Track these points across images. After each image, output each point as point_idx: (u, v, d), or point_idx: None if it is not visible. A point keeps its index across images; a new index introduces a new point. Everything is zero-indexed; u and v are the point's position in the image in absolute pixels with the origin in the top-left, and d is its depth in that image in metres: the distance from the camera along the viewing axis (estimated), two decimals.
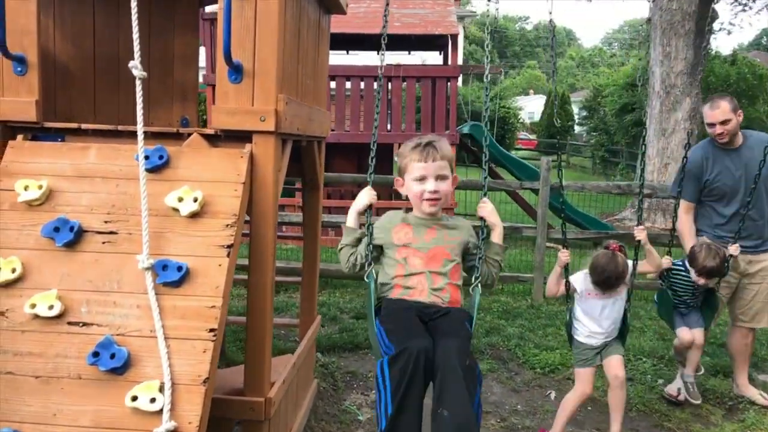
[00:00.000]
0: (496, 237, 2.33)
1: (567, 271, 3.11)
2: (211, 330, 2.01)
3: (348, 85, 9.18)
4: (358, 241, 2.31)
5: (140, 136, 2.14)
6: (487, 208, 2.34)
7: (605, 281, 2.96)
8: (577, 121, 32.40)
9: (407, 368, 1.86)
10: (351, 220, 2.36)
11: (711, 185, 3.72)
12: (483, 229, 2.31)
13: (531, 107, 44.78)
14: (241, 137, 2.39)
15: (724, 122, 3.59)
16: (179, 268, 2.09)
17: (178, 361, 1.97)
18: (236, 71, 2.32)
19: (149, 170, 2.27)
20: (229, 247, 2.16)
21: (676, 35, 10.95)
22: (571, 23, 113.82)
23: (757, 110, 14.69)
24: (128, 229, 2.20)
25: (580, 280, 3.11)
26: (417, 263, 2.20)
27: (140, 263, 2.06)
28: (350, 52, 11.76)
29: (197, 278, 2.10)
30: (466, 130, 9.46)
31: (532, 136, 35.02)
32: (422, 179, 2.22)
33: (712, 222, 3.77)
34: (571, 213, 8.68)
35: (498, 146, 9.49)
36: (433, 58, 12.76)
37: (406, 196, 2.32)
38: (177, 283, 2.08)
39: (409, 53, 12.26)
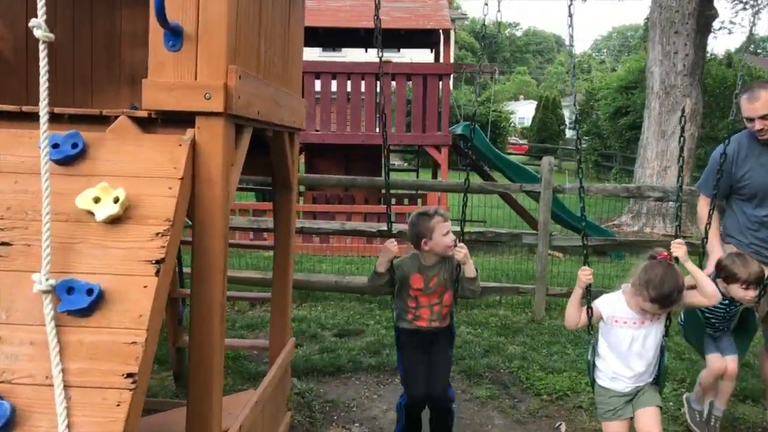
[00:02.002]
0: (469, 273, 2.88)
1: (589, 293, 2.59)
2: (130, 375, 1.49)
3: (334, 84, 8.67)
4: (381, 278, 2.88)
5: (43, 118, 1.63)
6: (462, 252, 2.83)
7: (668, 296, 2.39)
8: (568, 125, 32.13)
9: (415, 413, 2.97)
10: (381, 266, 2.84)
11: (740, 183, 3.23)
12: (458, 268, 2.89)
13: (521, 112, 44.56)
14: (182, 121, 1.87)
15: (765, 117, 3.05)
16: (89, 291, 1.57)
17: (81, 419, 1.45)
18: (174, 35, 1.81)
19: (58, 162, 1.75)
20: (158, 262, 1.64)
21: (676, 34, 10.55)
22: (560, 29, 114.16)
23: None
24: (26, 239, 1.67)
25: (606, 303, 2.58)
26: (424, 301, 2.90)
27: (36, 284, 1.54)
28: (336, 49, 11.26)
29: (114, 304, 1.57)
30: (459, 130, 8.98)
31: (523, 141, 34.69)
32: (446, 233, 2.85)
33: (741, 225, 3.29)
34: (570, 219, 8.21)
35: (493, 148, 9.01)
36: (424, 57, 12.29)
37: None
38: (86, 312, 1.55)
39: (398, 51, 11.79)
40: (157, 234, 1.68)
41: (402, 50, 15.09)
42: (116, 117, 1.90)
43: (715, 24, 12.46)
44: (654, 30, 11.00)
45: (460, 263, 2.85)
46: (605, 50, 79.91)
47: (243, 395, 2.63)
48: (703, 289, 2.53)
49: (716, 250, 3.19)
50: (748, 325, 3.14)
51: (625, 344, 2.52)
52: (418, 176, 11.13)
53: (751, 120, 3.11)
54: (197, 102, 1.83)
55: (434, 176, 9.89)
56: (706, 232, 3.14)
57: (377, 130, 9.09)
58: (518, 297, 5.66)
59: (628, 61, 21.20)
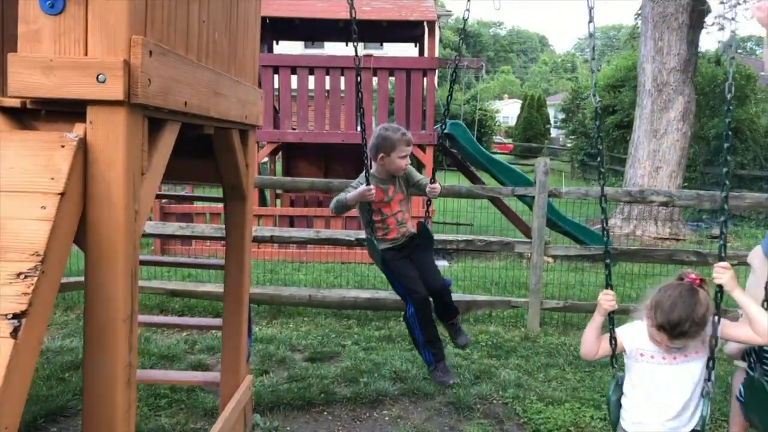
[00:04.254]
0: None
1: (612, 321, 2.13)
2: None
3: (311, 79, 8.14)
4: (348, 208, 3.11)
5: None
6: (436, 192, 3.13)
7: (676, 325, 1.92)
8: (554, 124, 31.88)
9: (426, 314, 3.09)
10: (353, 201, 3.02)
11: None
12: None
13: (506, 112, 44.35)
14: (72, 114, 1.36)
15: None
16: None
17: None
18: None
19: None
20: (16, 317, 1.13)
21: (668, 29, 10.16)
22: (544, 29, 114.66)
23: (747, 111, 14.05)
24: None
25: (628, 333, 2.12)
26: (387, 211, 3.11)
27: None
28: (318, 45, 10.73)
29: None
30: (444, 129, 8.50)
31: (508, 141, 34.39)
32: (405, 156, 3.07)
33: None
34: (563, 224, 7.77)
35: (480, 147, 8.54)
36: (408, 53, 11.79)
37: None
38: None
39: (381, 46, 11.29)
40: (19, 275, 1.17)
41: (385, 46, 14.60)
42: None
43: (708, 19, 12.10)
44: (646, 25, 10.60)
45: (430, 198, 3.19)
46: (588, 50, 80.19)
47: None
48: (756, 324, 1.99)
49: None
50: None
51: (650, 383, 2.06)
52: None
53: None
54: (87, 87, 1.31)
55: None
56: None
57: (358, 128, 8.58)
58: (510, 310, 5.18)
59: (616, 59, 20.89)
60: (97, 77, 1.31)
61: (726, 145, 2.14)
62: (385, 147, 3.01)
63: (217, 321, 3.25)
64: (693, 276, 2.04)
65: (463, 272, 6.69)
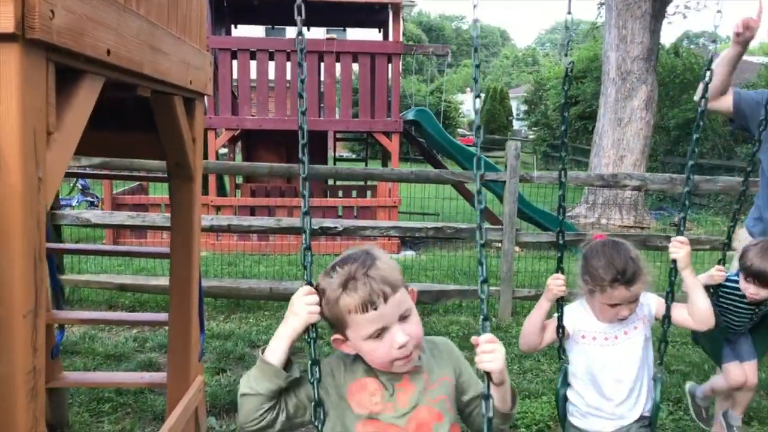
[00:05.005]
0: (501, 401, 1.35)
1: (561, 308, 1.98)
2: None
3: (271, 65, 7.80)
4: (278, 393, 1.32)
5: None
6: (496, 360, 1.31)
7: (624, 271, 1.83)
8: (516, 116, 32.07)
9: None
10: (276, 351, 1.33)
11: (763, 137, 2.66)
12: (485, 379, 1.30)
13: (468, 104, 44.50)
14: None
15: None
16: None
17: None
18: None
19: None
20: None
21: (632, 17, 10.15)
22: (505, 24, 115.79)
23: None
24: None
25: (572, 315, 1.99)
26: None
27: None
28: (280, 29, 10.38)
29: None
30: (410, 116, 8.28)
31: (470, 133, 34.47)
32: (380, 333, 1.30)
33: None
34: (530, 211, 7.66)
35: (447, 135, 8.35)
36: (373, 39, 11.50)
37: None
38: None
39: (344, 31, 10.99)
40: None
41: (349, 32, 14.31)
42: None
43: (670, 9, 12.19)
44: (610, 13, 10.59)
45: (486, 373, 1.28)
46: (548, 44, 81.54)
47: None
48: (695, 309, 1.97)
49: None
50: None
51: (595, 366, 1.94)
52: (366, 166, 10.39)
53: None
54: None
55: (384, 166, 9.17)
56: (734, 216, 2.45)
57: (321, 116, 8.29)
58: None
59: (578, 50, 21.05)
60: None
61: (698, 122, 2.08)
62: (339, 319, 1.38)
63: (166, 316, 2.95)
64: (600, 234, 2.05)
65: (431, 262, 6.50)
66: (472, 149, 11.17)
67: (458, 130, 31.50)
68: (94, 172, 5.55)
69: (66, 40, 1.15)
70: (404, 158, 8.77)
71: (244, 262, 6.37)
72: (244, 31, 10.31)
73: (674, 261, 1.97)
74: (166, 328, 4.20)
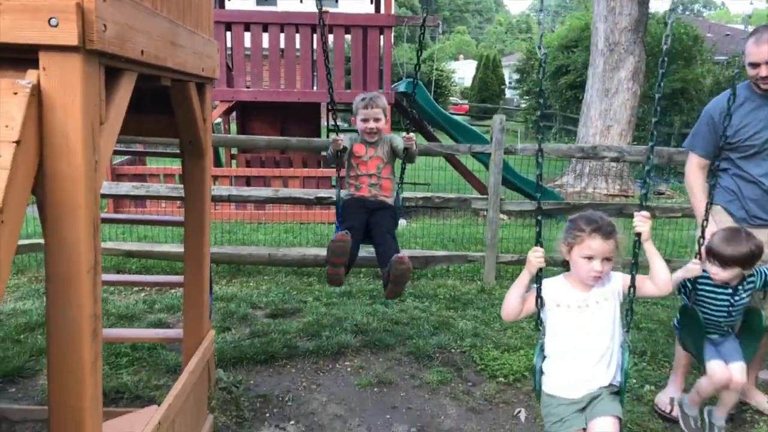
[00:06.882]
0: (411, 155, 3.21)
1: (540, 279, 2.15)
2: None
3: (266, 37, 7.94)
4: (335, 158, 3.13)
5: None
6: (411, 142, 3.17)
7: (598, 222, 2.05)
8: (509, 85, 32.07)
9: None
10: (330, 149, 3.12)
11: (733, 138, 2.85)
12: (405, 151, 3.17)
13: (461, 72, 44.22)
14: (23, 61, 1.32)
15: None
16: None
17: None
18: None
19: None
20: None
21: None
22: None
23: (693, 71, 14.47)
24: None
25: (548, 285, 2.16)
26: (363, 169, 3.16)
27: None
28: (269, 1, 10.43)
29: None
30: (402, 88, 8.48)
31: (463, 102, 34.47)
32: (365, 120, 3.15)
33: (742, 192, 2.91)
34: (518, 181, 7.94)
35: (438, 107, 8.56)
36: (364, 11, 11.58)
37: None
38: None
39: (336, 2, 11.04)
40: None
41: (340, 4, 14.33)
42: None
43: None
44: None
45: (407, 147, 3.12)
46: (542, 11, 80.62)
47: (142, 413, 2.13)
48: (655, 276, 2.13)
49: (704, 199, 2.83)
50: (754, 326, 2.76)
51: (572, 332, 2.11)
52: None
53: (756, 66, 2.75)
54: (39, 31, 1.27)
55: None
56: (707, 212, 2.67)
57: (314, 87, 8.46)
58: (467, 265, 5.32)
59: (570, 19, 21.07)
60: (49, 21, 1.27)
61: (657, 97, 2.29)
62: (353, 110, 3.18)
63: (177, 278, 3.23)
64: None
65: (421, 230, 6.80)
66: (461, 119, 11.23)
67: (450, 98, 31.52)
68: None
69: (113, 46, 1.40)
70: (396, 129, 8.99)
71: (242, 230, 6.64)
72: (236, 4, 10.37)
73: (638, 234, 2.11)
74: (173, 290, 4.52)
